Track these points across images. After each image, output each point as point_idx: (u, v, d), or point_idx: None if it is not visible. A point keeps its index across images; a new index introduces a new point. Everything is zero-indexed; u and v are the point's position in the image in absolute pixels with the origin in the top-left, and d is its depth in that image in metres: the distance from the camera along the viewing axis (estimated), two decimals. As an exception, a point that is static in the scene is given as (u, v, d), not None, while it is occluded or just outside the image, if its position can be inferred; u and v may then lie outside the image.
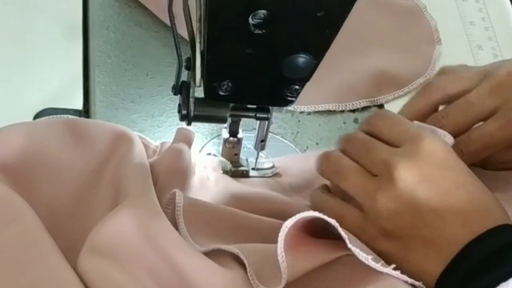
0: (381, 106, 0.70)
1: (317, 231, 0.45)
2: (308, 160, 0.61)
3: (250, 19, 0.41)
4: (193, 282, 0.41)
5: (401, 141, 0.47)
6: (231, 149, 0.58)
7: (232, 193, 0.54)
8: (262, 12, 0.40)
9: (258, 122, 0.56)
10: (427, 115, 0.56)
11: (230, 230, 0.49)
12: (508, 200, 0.49)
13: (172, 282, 0.42)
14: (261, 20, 0.41)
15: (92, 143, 0.52)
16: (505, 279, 0.39)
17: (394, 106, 0.70)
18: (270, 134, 0.58)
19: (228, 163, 0.59)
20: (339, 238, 0.42)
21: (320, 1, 0.40)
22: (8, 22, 0.67)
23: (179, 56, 0.49)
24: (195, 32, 0.46)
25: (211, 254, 0.45)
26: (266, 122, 0.55)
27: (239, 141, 0.58)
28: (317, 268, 0.43)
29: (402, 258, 0.45)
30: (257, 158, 0.60)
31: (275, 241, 0.41)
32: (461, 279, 0.42)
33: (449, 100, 0.56)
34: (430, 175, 0.45)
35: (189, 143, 0.55)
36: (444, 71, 0.58)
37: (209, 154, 0.62)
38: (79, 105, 0.63)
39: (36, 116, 0.61)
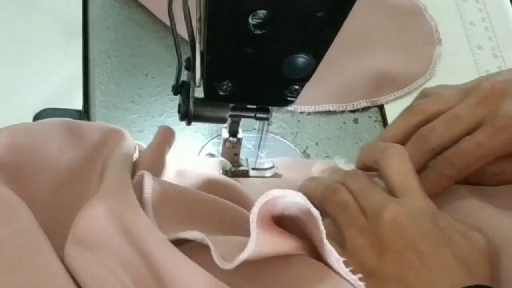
0: (381, 106, 0.70)
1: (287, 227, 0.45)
2: (309, 166, 0.61)
3: (250, 19, 0.41)
4: (167, 277, 0.41)
5: (399, 193, 0.48)
6: (231, 149, 0.58)
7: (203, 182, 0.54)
8: (262, 12, 0.40)
9: (259, 122, 0.56)
10: (409, 137, 0.55)
11: (200, 213, 0.48)
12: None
13: (146, 276, 0.41)
14: (261, 20, 0.41)
15: (86, 140, 0.52)
16: None
17: (394, 107, 0.70)
18: (270, 134, 0.58)
19: (228, 163, 0.59)
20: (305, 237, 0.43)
21: (320, 1, 0.40)
22: (8, 22, 0.67)
23: (179, 56, 0.49)
24: (195, 32, 0.46)
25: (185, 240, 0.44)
26: (265, 122, 0.55)
27: (239, 141, 0.58)
28: (273, 259, 0.43)
29: None
30: (256, 158, 0.60)
31: (242, 228, 0.41)
32: None
33: (431, 121, 0.55)
34: (421, 224, 0.45)
35: (169, 142, 0.54)
36: (424, 93, 0.58)
37: (209, 154, 0.62)
38: (79, 105, 0.63)
39: (36, 116, 0.61)
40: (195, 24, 0.45)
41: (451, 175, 0.52)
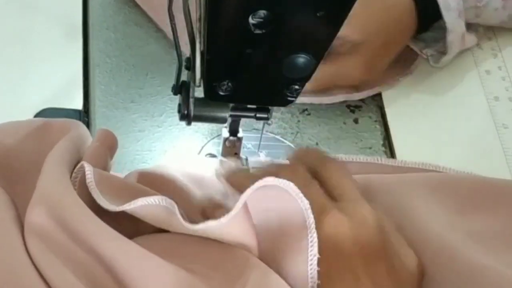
0: (381, 106, 0.70)
1: None
2: None
3: (250, 19, 0.41)
4: (119, 270, 0.40)
5: (341, 197, 0.47)
6: (231, 148, 0.58)
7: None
8: (262, 12, 0.40)
9: (259, 122, 0.56)
10: None
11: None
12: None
13: (98, 271, 0.41)
14: (261, 20, 0.41)
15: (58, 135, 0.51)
16: None
17: (395, 106, 0.70)
18: (270, 134, 0.58)
19: (228, 163, 0.59)
20: None
21: (320, 1, 0.40)
22: (8, 22, 0.67)
23: (179, 56, 0.49)
24: (195, 32, 0.46)
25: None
26: (264, 122, 0.55)
27: (239, 140, 0.58)
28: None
29: None
30: (256, 158, 0.60)
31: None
32: None
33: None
34: (361, 233, 0.44)
35: (109, 146, 0.52)
36: None
37: (209, 154, 0.62)
38: (79, 105, 0.63)
39: (36, 116, 0.61)
40: (195, 24, 0.45)
41: None
